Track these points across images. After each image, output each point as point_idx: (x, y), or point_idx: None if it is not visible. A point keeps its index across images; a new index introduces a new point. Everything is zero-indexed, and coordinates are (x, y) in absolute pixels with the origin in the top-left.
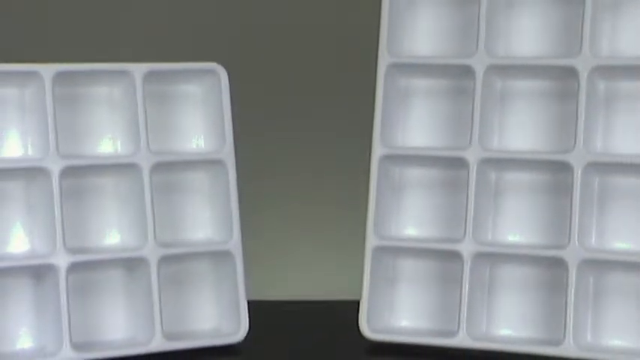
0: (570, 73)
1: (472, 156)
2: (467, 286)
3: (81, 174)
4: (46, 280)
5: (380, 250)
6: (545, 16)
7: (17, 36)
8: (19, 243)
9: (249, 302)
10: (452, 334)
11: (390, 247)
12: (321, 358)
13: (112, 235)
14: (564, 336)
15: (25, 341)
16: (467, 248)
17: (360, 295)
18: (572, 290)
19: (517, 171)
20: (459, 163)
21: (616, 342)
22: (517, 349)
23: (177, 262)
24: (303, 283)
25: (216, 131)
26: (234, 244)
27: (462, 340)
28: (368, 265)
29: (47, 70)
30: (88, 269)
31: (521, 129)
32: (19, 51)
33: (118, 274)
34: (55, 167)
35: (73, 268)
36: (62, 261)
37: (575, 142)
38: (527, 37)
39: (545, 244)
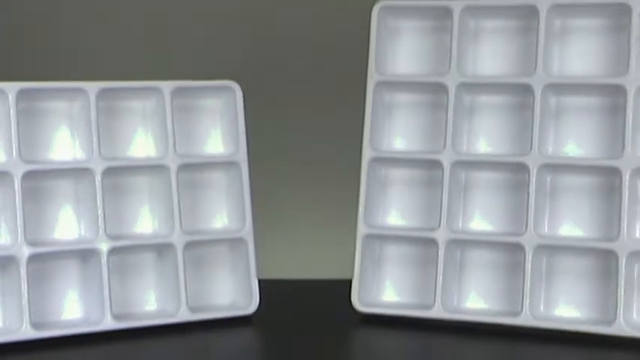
0: (527, 89)
1: (445, 158)
2: (441, 267)
3: (119, 173)
4: (90, 261)
5: (369, 237)
6: (505, 42)
7: (66, 59)
8: (69, 231)
9: (259, 281)
10: (429, 307)
11: (377, 234)
12: (319, 327)
13: (145, 224)
14: (522, 308)
15: (73, 312)
16: (441, 235)
17: (352, 274)
18: (529, 270)
19: (483, 171)
20: (435, 165)
21: (564, 313)
22: (483, 319)
23: (200, 247)
24: (305, 264)
25: (232, 137)
26: (247, 232)
27: (437, 312)
28: (359, 250)
29: (92, 87)
30: (125, 253)
31: (487, 136)
32: (67, 70)
33: (150, 257)
34: (98, 168)
35: (113, 251)
36: (104, 246)
37: (531, 147)
38: (491, 59)
39: (506, 231)
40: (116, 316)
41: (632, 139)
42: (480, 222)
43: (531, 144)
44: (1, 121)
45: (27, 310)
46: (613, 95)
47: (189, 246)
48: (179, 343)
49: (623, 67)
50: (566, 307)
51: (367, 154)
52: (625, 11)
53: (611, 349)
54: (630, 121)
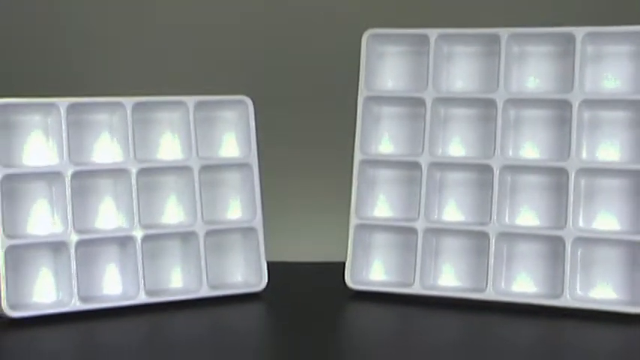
0: (490, 103)
1: (424, 161)
2: (420, 251)
3: (151, 173)
4: (127, 246)
5: (359, 227)
6: (473, 64)
7: (105, 77)
8: (110, 221)
9: (268, 263)
10: (409, 284)
11: (366, 224)
12: (318, 302)
13: (173, 215)
14: (486, 285)
15: (113, 289)
16: (420, 225)
17: (346, 258)
18: (492, 254)
19: (455, 171)
20: (415, 166)
21: (521, 289)
22: (454, 294)
23: (218, 234)
24: (306, 249)
25: (245, 143)
26: (257, 222)
27: (416, 288)
28: (351, 237)
29: (128, 101)
30: (156, 240)
31: (458, 142)
32: (107, 87)
33: (176, 243)
34: (134, 169)
35: (146, 238)
36: (139, 233)
37: (494, 151)
38: (461, 78)
39: (474, 221)
40: (149, 292)
41: (577, 145)
42: (453, 214)
43: (494, 148)
44: (54, 129)
45: (76, 286)
46: (561, 108)
47: (209, 234)
48: (201, 315)
49: (569, 85)
50: (523, 284)
51: (358, 156)
52: (570, 39)
53: (558, 318)
54: (575, 130)
